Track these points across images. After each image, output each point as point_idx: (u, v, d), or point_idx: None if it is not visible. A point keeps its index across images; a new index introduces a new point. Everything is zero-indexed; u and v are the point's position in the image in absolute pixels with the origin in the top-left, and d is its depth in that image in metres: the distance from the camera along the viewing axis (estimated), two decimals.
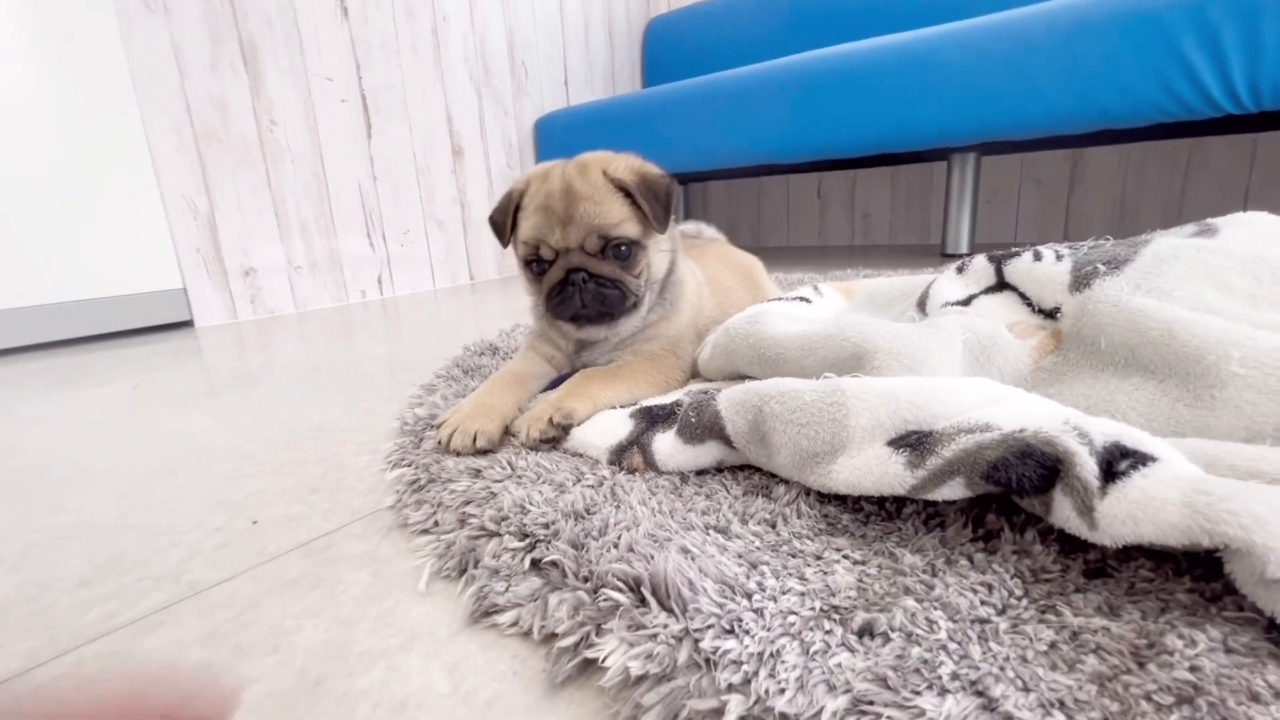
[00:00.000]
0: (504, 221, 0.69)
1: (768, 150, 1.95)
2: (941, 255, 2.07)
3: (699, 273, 0.81)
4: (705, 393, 0.49)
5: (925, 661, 0.28)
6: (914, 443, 0.35)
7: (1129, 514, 0.28)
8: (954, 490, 0.33)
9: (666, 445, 0.47)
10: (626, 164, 0.66)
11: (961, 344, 0.46)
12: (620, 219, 0.62)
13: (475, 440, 0.56)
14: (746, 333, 0.56)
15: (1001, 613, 0.31)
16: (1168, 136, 1.55)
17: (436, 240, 2.12)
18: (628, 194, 0.63)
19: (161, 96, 1.50)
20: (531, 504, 0.44)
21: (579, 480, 0.48)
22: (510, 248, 0.71)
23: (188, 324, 1.61)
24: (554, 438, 0.55)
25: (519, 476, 0.49)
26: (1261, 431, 0.37)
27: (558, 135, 2.38)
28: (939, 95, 1.60)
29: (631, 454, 0.49)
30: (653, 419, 0.51)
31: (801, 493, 0.42)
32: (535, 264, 0.66)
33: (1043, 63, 1.44)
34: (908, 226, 2.62)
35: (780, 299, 0.66)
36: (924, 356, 0.43)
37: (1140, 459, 0.30)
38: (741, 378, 0.61)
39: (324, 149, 1.80)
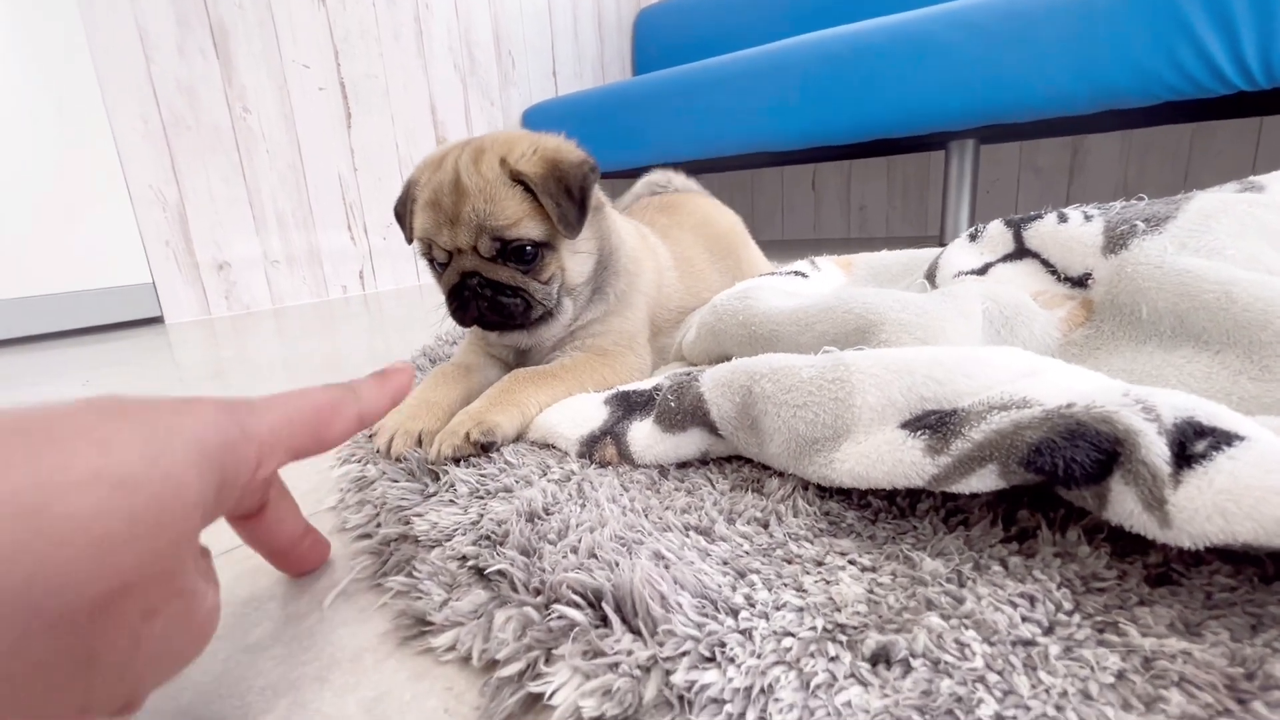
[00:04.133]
0: (403, 213, 0.60)
1: (761, 138, 1.89)
2: (940, 246, 2.01)
3: (662, 253, 0.71)
4: (688, 374, 0.43)
5: (959, 700, 0.22)
6: (934, 424, 0.29)
7: (1217, 507, 0.22)
8: (985, 481, 0.27)
9: (643, 435, 0.41)
10: (536, 149, 0.55)
11: (981, 314, 0.40)
12: (517, 218, 0.52)
13: (420, 441, 0.49)
14: (736, 310, 0.50)
15: (1049, 632, 0.24)
16: (1178, 118, 1.50)
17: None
18: (527, 187, 0.53)
19: (126, 82, 1.43)
20: (486, 506, 0.38)
21: (544, 474, 0.42)
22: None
23: (158, 320, 1.54)
24: (470, 455, 0.45)
25: (478, 469, 0.43)
26: None
27: (545, 126, 2.30)
28: (938, 77, 1.54)
29: (604, 445, 0.43)
30: (630, 406, 0.45)
31: (799, 486, 0.36)
32: (433, 261, 0.57)
33: (1046, 41, 1.38)
34: (904, 218, 2.57)
35: (773, 273, 0.59)
36: (939, 328, 0.37)
37: (1223, 438, 0.24)
38: (717, 358, 0.55)
39: (301, 138, 1.73)
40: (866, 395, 0.31)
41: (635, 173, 2.38)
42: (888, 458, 0.29)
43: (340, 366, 0.93)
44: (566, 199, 0.53)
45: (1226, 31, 1.20)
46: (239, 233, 1.63)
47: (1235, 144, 1.95)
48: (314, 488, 0.50)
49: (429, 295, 1.74)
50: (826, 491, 0.35)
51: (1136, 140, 2.10)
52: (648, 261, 0.66)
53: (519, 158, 0.54)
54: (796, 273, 0.59)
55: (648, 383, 0.47)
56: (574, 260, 0.57)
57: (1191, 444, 0.24)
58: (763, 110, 1.84)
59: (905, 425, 0.30)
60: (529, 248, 0.54)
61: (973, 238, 0.51)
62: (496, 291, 0.54)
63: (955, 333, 0.38)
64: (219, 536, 0.42)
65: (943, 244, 1.98)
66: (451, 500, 0.39)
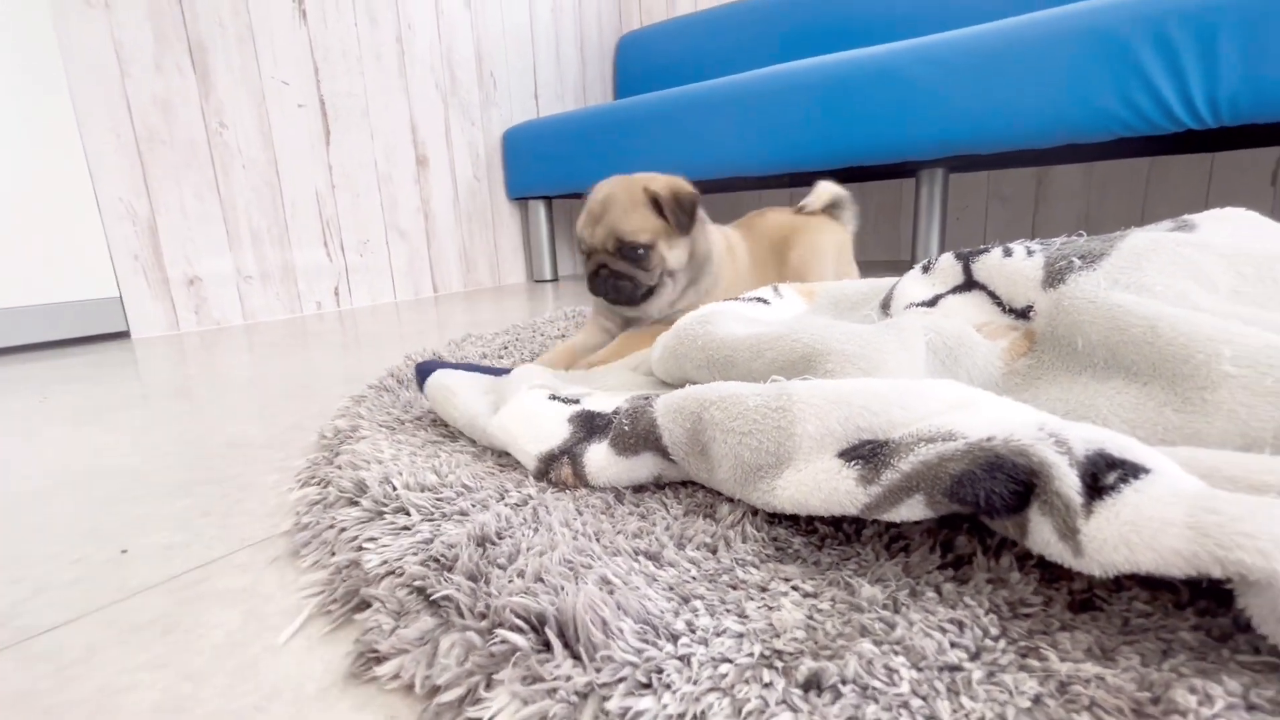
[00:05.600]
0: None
1: (739, 163, 1.93)
2: (910, 266, 2.06)
3: (740, 254, 0.94)
4: (645, 398, 0.43)
5: None
6: (868, 454, 0.30)
7: (1121, 537, 0.23)
8: (913, 510, 0.28)
9: (599, 457, 0.42)
10: (666, 182, 0.81)
11: (925, 345, 0.41)
12: (637, 227, 0.77)
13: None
14: (695, 334, 0.51)
15: (975, 657, 0.25)
16: (1133, 153, 1.56)
17: (398, 251, 2.06)
18: (658, 205, 0.78)
19: (100, 96, 1.42)
20: (440, 530, 0.38)
21: (502, 498, 0.42)
22: None
23: (124, 335, 1.51)
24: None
25: (434, 493, 0.43)
26: (1259, 438, 0.32)
27: (526, 146, 2.33)
28: (907, 109, 1.59)
29: (561, 464, 0.43)
30: (591, 428, 0.45)
31: (749, 512, 0.36)
32: (582, 251, 0.83)
33: (1008, 78, 1.44)
34: (878, 242, 2.63)
35: (737, 299, 0.61)
36: (881, 359, 0.39)
37: (1131, 470, 0.25)
38: (692, 384, 0.56)
39: (279, 154, 1.72)
40: (807, 425, 0.32)
41: None
42: (824, 486, 0.30)
43: (312, 384, 0.92)
44: (681, 212, 0.79)
45: (1175, 74, 1.26)
46: (211, 248, 1.61)
47: (1189, 176, 2.04)
48: (270, 512, 0.50)
49: (405, 312, 1.73)
50: (776, 517, 0.36)
51: (1097, 172, 2.18)
52: (728, 264, 0.90)
53: (655, 184, 0.79)
54: (759, 299, 0.60)
55: (609, 405, 0.48)
56: (672, 253, 0.80)
57: (1103, 475, 0.25)
58: (741, 136, 1.89)
59: (842, 454, 0.31)
60: (639, 249, 0.78)
61: (925, 269, 0.53)
62: (615, 277, 0.79)
63: (896, 364, 0.39)
64: (169, 562, 0.42)
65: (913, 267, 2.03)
66: (405, 526, 0.39)
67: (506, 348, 0.96)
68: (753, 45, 2.54)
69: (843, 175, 2.06)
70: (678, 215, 0.77)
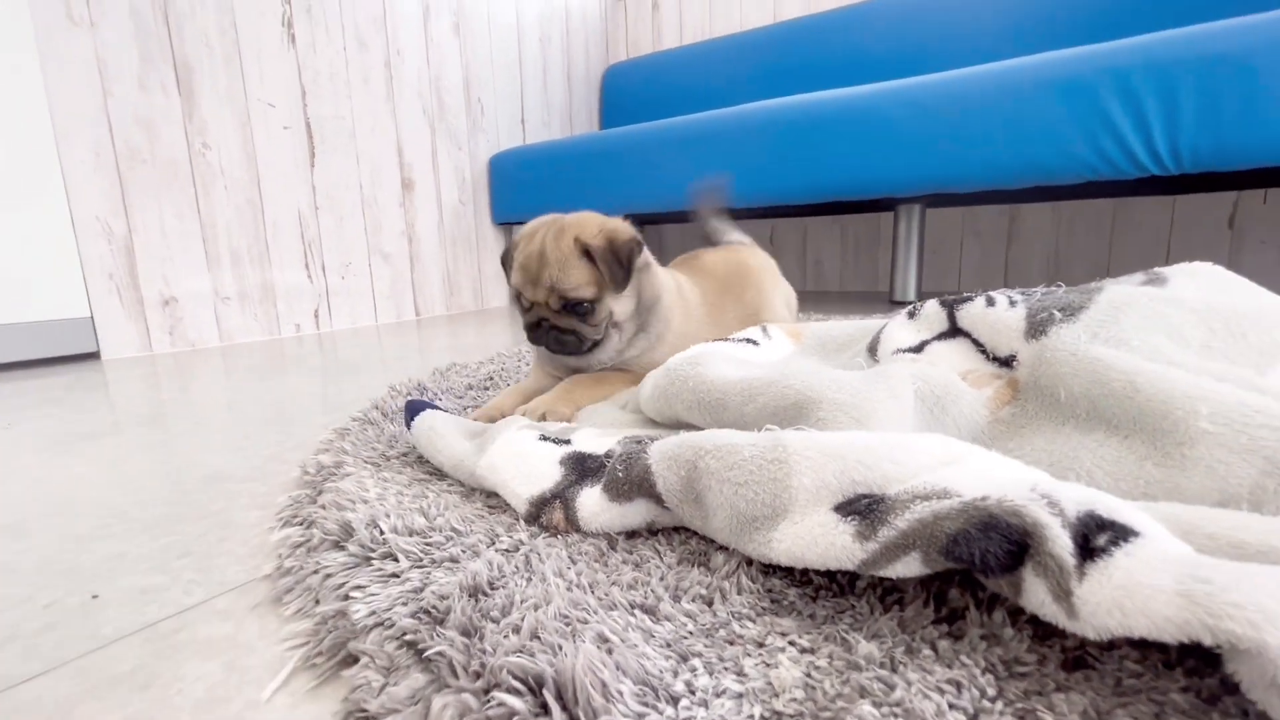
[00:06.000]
0: (506, 265, 0.81)
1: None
2: (890, 302, 2.10)
3: (691, 297, 0.90)
4: (639, 442, 0.44)
5: None
6: (864, 509, 0.30)
7: (1114, 602, 0.24)
8: (910, 567, 0.29)
9: (591, 502, 0.42)
10: (600, 229, 0.75)
11: (913, 394, 0.42)
12: (579, 283, 0.73)
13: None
14: (685, 375, 0.52)
15: (974, 719, 0.26)
16: (1100, 194, 1.62)
17: (381, 274, 2.04)
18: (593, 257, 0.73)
19: (80, 112, 1.40)
20: (430, 578, 0.37)
21: (492, 543, 0.42)
22: None
23: (94, 356, 1.47)
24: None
25: (423, 538, 0.42)
26: (1236, 494, 0.34)
27: (512, 173, 2.35)
28: (885, 148, 1.64)
29: (553, 509, 0.43)
30: (583, 471, 0.45)
31: (743, 562, 0.37)
32: (520, 301, 0.79)
33: (982, 121, 1.49)
34: (856, 273, 2.68)
35: (725, 340, 0.61)
36: (871, 408, 0.40)
37: (1121, 533, 0.26)
38: (681, 423, 0.57)
39: (262, 175, 1.71)
40: (803, 478, 0.32)
41: None
42: (821, 540, 0.31)
43: (291, 412, 0.90)
44: (617, 266, 0.73)
45: (1140, 122, 1.32)
46: (189, 268, 1.59)
47: (1152, 218, 2.12)
48: (253, 552, 0.48)
49: (386, 336, 1.72)
50: (769, 568, 0.36)
51: (1066, 212, 2.26)
52: (679, 307, 0.86)
53: (588, 234, 0.73)
54: (748, 340, 0.61)
55: (602, 446, 0.48)
56: (619, 304, 0.76)
57: (1094, 537, 0.26)
58: (724, 169, 1.92)
59: (838, 509, 0.31)
60: (583, 304, 0.74)
61: (911, 315, 0.55)
62: (559, 332, 0.75)
63: (886, 413, 0.40)
64: (147, 608, 0.40)
65: (893, 300, 2.07)
66: (394, 574, 0.38)
67: (492, 378, 0.95)
68: (736, 80, 2.60)
69: (825, 209, 2.11)
70: (612, 269, 0.72)
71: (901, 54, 2.24)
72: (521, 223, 2.39)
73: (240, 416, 0.90)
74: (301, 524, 0.49)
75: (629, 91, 2.88)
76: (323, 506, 0.50)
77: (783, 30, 2.53)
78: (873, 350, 0.54)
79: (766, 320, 0.97)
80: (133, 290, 1.50)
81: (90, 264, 1.43)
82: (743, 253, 1.09)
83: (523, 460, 0.47)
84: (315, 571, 0.41)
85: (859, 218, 2.62)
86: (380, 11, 1.97)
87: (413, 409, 0.59)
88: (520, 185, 2.33)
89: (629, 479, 0.40)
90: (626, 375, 0.79)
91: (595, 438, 0.54)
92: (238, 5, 1.63)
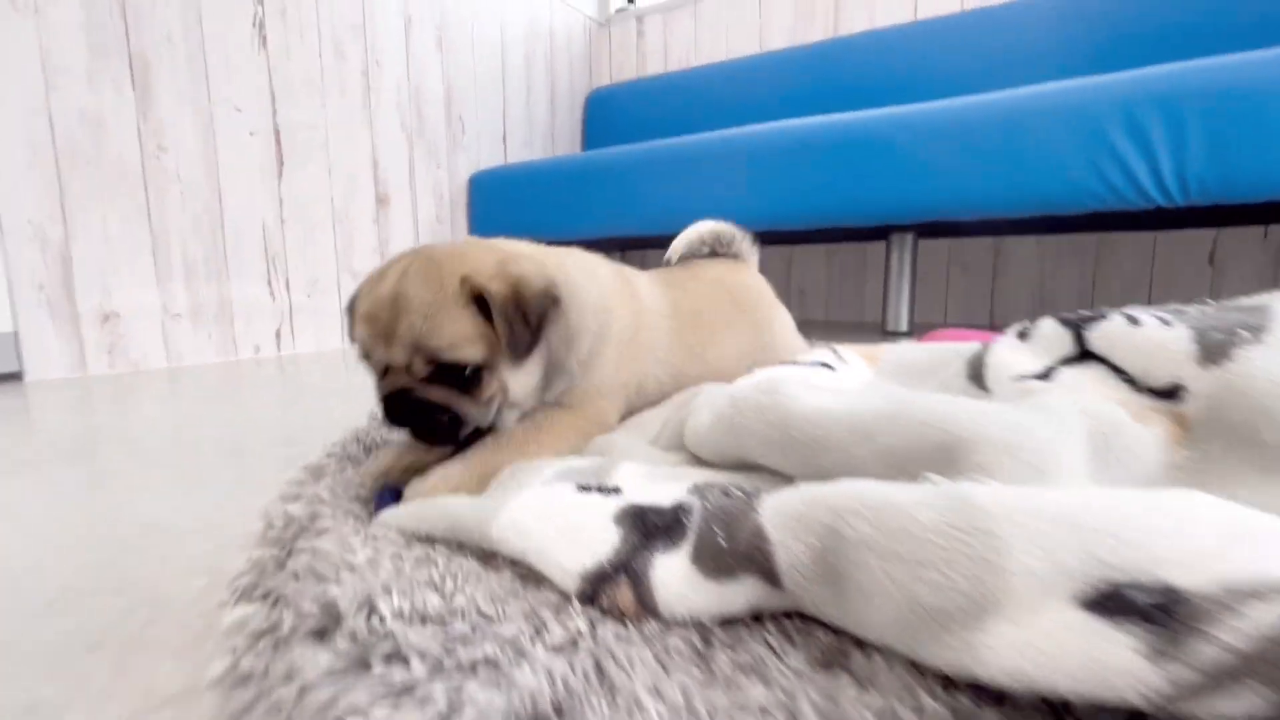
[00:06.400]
0: (349, 316, 0.56)
1: (705, 219, 1.90)
2: (883, 332, 2.06)
3: (648, 296, 0.68)
4: (728, 494, 0.33)
5: None
6: (1144, 609, 0.21)
7: None
8: (1238, 704, 0.19)
9: (677, 579, 0.31)
10: (499, 270, 0.52)
11: (1085, 433, 0.34)
12: (458, 339, 0.49)
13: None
14: (763, 405, 0.42)
15: None
16: (1102, 227, 1.61)
17: (350, 294, 1.90)
18: (484, 305, 0.50)
19: (17, 105, 1.25)
20: (462, 695, 0.26)
21: (538, 633, 0.31)
22: None
23: (16, 377, 1.29)
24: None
25: (443, 627, 0.31)
26: None
27: (492, 191, 2.25)
28: (884, 173, 1.60)
29: (618, 586, 0.32)
30: (648, 530, 0.34)
31: (909, 669, 0.26)
32: (368, 363, 0.55)
33: (986, 148, 1.47)
34: (842, 303, 2.65)
35: (794, 363, 0.52)
36: (1053, 452, 0.30)
37: None
38: (745, 466, 0.46)
39: (224, 183, 1.57)
40: (1024, 556, 0.23)
41: (581, 244, 2.34)
42: (1075, 654, 0.21)
43: (244, 441, 0.77)
44: (523, 325, 0.51)
45: (1146, 152, 1.31)
46: (135, 280, 1.43)
47: (1135, 253, 2.14)
48: (192, 643, 0.36)
49: (354, 361, 1.58)
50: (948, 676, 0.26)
51: (1050, 246, 2.27)
52: (620, 308, 0.62)
53: (486, 276, 0.50)
54: (822, 364, 0.52)
55: (666, 497, 0.37)
56: (517, 378, 0.53)
57: None
58: (709, 194, 1.86)
59: (1089, 605, 0.22)
60: (464, 370, 0.51)
61: (1022, 336, 0.46)
62: (430, 410, 0.51)
63: (1070, 458, 0.31)
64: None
65: (885, 331, 2.02)
66: (406, 686, 0.27)
67: None
68: (722, 107, 2.58)
69: (815, 236, 2.06)
70: (514, 330, 0.50)
71: (891, 85, 2.24)
72: None
73: (186, 450, 0.76)
74: (266, 600, 0.37)
75: (613, 115, 2.84)
76: (295, 576, 0.38)
77: (770, 60, 2.52)
78: (976, 377, 0.45)
79: (776, 354, 0.82)
80: (67, 303, 1.33)
81: (18, 272, 1.27)
82: (745, 269, 0.94)
83: (563, 518, 0.36)
84: (288, 679, 0.29)
85: (847, 246, 2.60)
86: (359, 19, 1.87)
87: (382, 501, 0.48)
88: (502, 205, 2.23)
89: (735, 548, 0.29)
90: (551, 420, 0.56)
91: (645, 479, 0.44)
92: (205, 3, 1.51)
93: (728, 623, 0.31)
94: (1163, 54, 1.68)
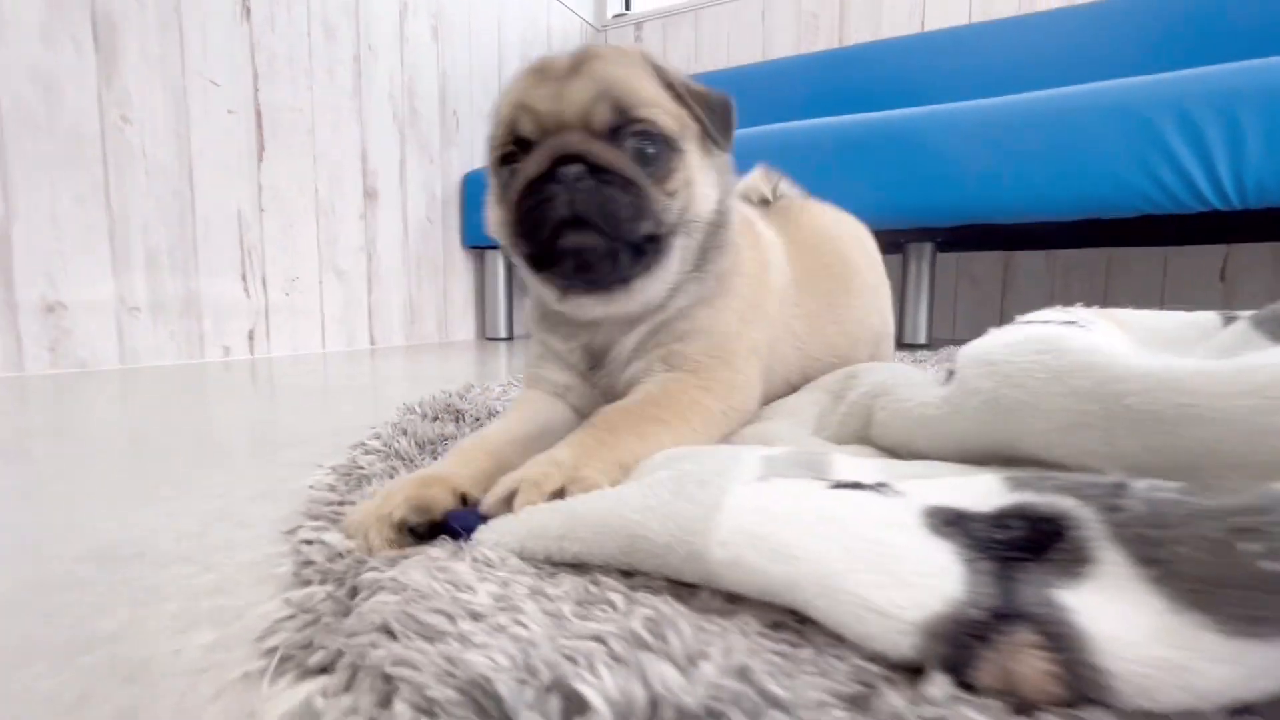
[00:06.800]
0: (494, 134, 0.44)
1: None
2: (899, 345, 1.97)
3: (773, 247, 0.55)
4: (1121, 486, 0.20)
5: None
6: None
7: None
8: None
9: (1145, 633, 0.17)
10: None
11: None
12: (651, 98, 0.41)
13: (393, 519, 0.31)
14: (1061, 369, 0.29)
15: None
16: (1147, 236, 1.56)
17: (333, 293, 1.72)
18: (671, 89, 0.43)
19: None
20: None
21: None
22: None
23: None
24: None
25: None
26: None
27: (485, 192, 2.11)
28: (923, 174, 1.52)
29: (1010, 646, 0.18)
30: (1002, 549, 0.21)
31: None
32: (509, 160, 0.42)
33: (1031, 148, 1.40)
34: None
35: (1030, 321, 0.39)
36: None
37: None
38: (989, 458, 0.33)
39: (196, 163, 1.40)
40: None
41: None
42: None
43: (210, 450, 0.60)
44: (711, 112, 0.44)
45: (1201, 153, 1.25)
46: (87, 267, 1.23)
47: (1146, 267, 2.12)
48: None
49: (336, 365, 1.40)
50: None
51: (1059, 259, 2.24)
52: (757, 243, 0.51)
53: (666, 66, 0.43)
54: (1069, 322, 0.39)
55: (951, 495, 0.24)
56: (705, 179, 0.44)
57: None
58: None
59: None
60: (654, 139, 0.40)
61: None
62: (603, 182, 0.38)
63: None
64: None
65: (902, 343, 1.92)
66: None
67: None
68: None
69: None
70: (710, 114, 0.43)
71: (898, 94, 2.19)
72: (496, 248, 2.14)
73: (156, 451, 0.59)
74: (336, 671, 0.22)
75: None
76: (381, 628, 0.23)
77: (774, 68, 2.47)
78: None
79: (877, 333, 0.68)
80: (2, 290, 1.13)
81: None
82: (851, 218, 0.74)
83: (842, 528, 0.22)
84: None
85: None
86: (352, 1, 1.73)
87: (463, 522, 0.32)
88: None
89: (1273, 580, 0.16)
90: (679, 384, 0.43)
91: (892, 475, 0.30)
92: None
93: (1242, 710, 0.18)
94: (1205, 58, 1.65)
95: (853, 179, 1.59)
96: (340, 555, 0.31)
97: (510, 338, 2.20)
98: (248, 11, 1.49)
